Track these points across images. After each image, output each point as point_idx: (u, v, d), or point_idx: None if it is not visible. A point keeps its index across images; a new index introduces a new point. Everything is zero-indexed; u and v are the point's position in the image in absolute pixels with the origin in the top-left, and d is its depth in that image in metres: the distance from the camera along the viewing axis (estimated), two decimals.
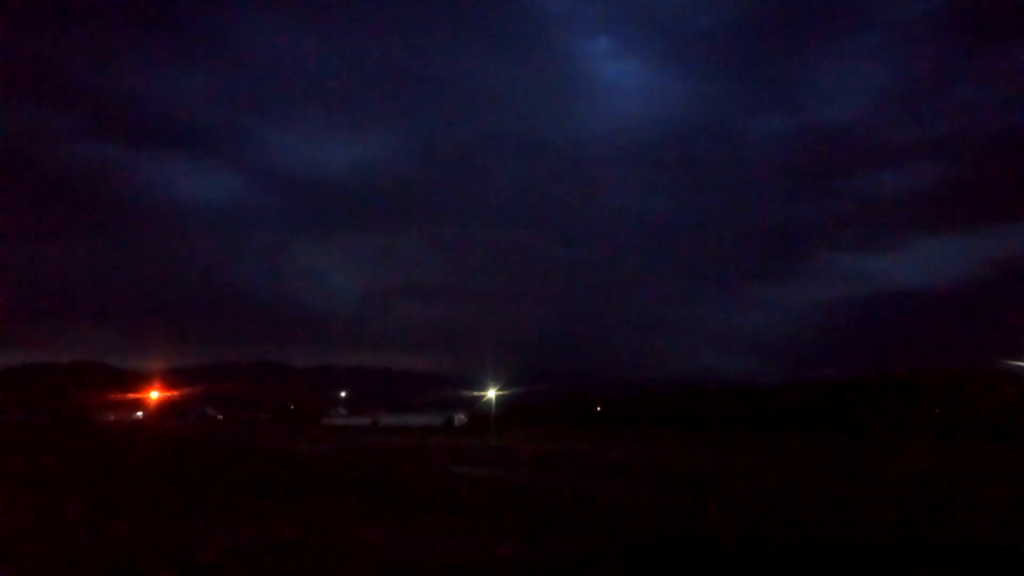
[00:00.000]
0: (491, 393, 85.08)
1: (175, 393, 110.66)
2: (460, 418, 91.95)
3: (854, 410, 57.93)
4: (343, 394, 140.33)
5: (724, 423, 64.31)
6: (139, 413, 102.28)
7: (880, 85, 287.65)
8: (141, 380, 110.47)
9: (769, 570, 8.74)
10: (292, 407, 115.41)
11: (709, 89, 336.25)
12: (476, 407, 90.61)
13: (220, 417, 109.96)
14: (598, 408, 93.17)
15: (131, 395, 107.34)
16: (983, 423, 48.63)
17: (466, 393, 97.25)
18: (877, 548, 9.84)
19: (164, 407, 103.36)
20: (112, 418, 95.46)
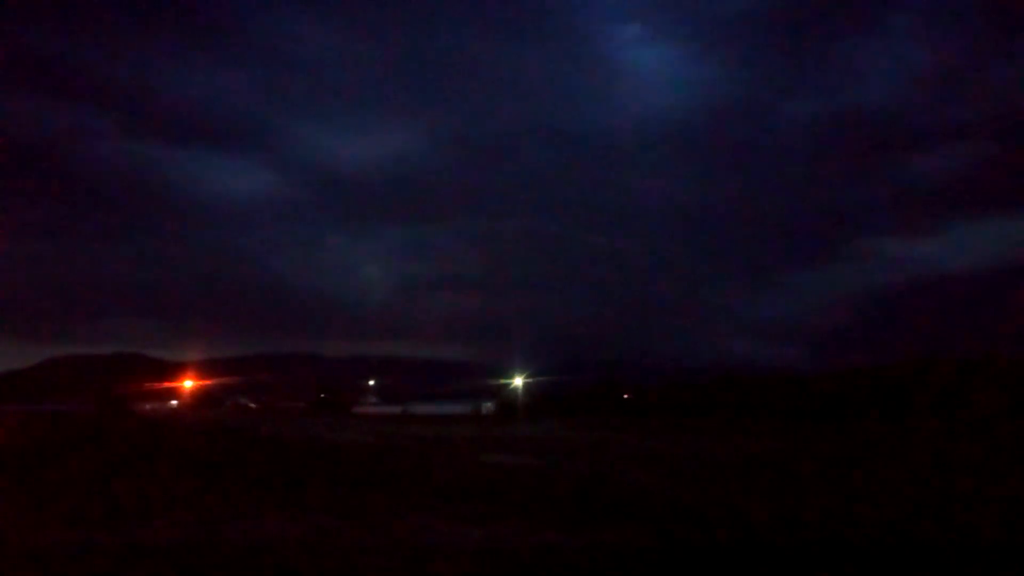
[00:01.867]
0: (519, 382, 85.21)
1: (210, 382, 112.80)
2: (488, 406, 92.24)
3: (894, 398, 56.78)
4: (373, 383, 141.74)
5: (758, 412, 63.45)
6: (174, 402, 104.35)
7: (917, 67, 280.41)
8: (178, 370, 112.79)
9: (810, 566, 8.48)
10: (324, 396, 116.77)
11: (742, 74, 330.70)
12: (505, 396, 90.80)
13: (253, 406, 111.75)
14: (627, 396, 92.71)
15: (167, 384, 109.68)
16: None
17: (495, 382, 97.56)
18: (919, 544, 9.52)
19: (199, 396, 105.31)
20: (149, 407, 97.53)
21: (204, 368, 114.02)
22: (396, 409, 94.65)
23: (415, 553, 8.57)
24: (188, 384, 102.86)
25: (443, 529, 9.91)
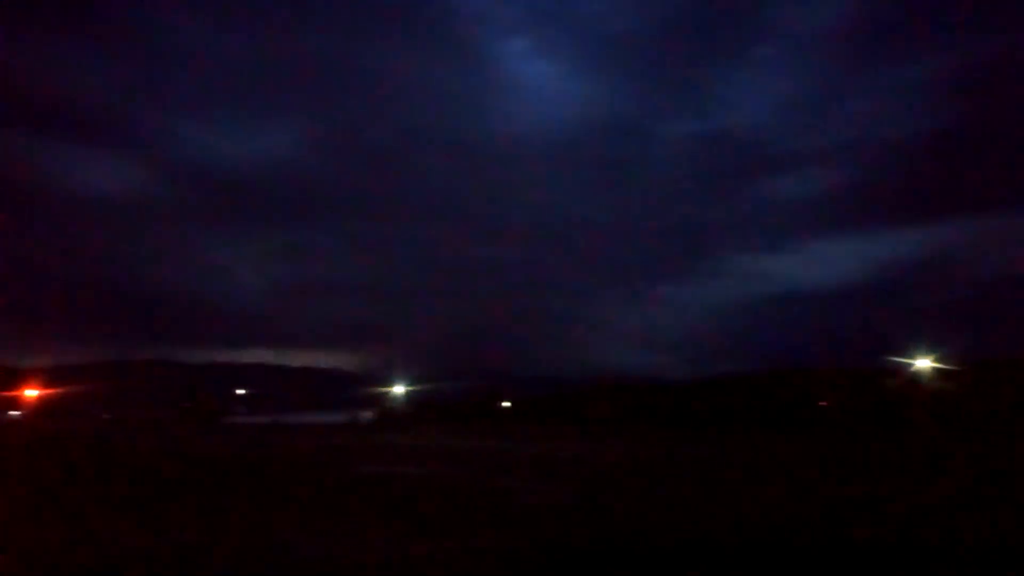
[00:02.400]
0: (400, 390, 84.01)
1: (58, 391, 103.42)
2: (366, 416, 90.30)
3: (753, 405, 60.69)
4: (243, 392, 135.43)
5: (632, 418, 65.94)
6: (15, 412, 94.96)
7: (781, 95, 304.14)
8: (19, 377, 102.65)
9: (672, 565, 8.76)
10: (188, 405, 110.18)
11: (622, 92, 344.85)
12: (384, 405, 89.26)
13: (106, 416, 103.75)
14: (507, 404, 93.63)
15: (7, 393, 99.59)
16: (867, 414, 51.98)
17: (374, 391, 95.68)
18: (756, 543, 10.07)
19: (45, 406, 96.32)
20: None
21: (52, 375, 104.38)
22: (267, 419, 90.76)
23: (285, 569, 8.14)
24: (32, 393, 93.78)
25: (316, 543, 9.49)
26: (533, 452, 28.76)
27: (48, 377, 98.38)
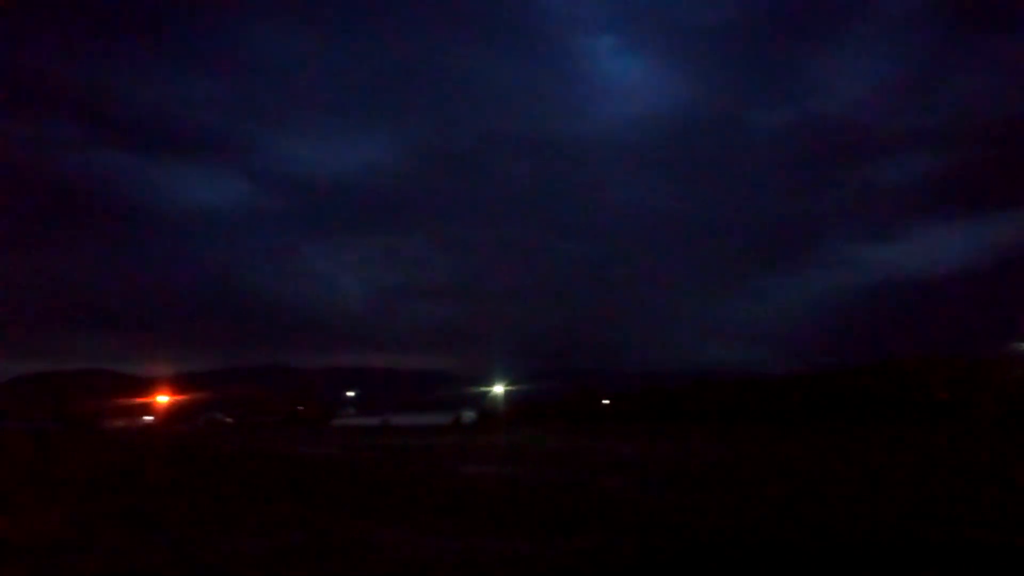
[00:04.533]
0: (498, 390, 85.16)
1: (183, 398, 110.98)
2: (468, 416, 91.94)
3: (862, 399, 57.71)
4: (351, 395, 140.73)
5: (733, 415, 64.14)
6: (148, 418, 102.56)
7: (880, 76, 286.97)
8: (149, 386, 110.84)
9: (777, 569, 8.64)
10: (300, 409, 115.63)
11: (712, 84, 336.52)
12: (484, 405, 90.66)
13: (229, 420, 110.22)
14: (606, 403, 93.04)
15: (139, 400, 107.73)
16: (992, 408, 48.38)
17: (473, 391, 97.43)
18: (881, 546, 9.74)
19: (173, 412, 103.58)
20: (120, 424, 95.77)
21: (178, 383, 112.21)
22: (375, 421, 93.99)
23: (389, 568, 8.59)
24: (162, 400, 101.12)
25: (420, 543, 9.93)
26: (637, 452, 28.60)
27: (175, 385, 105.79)
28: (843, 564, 8.48)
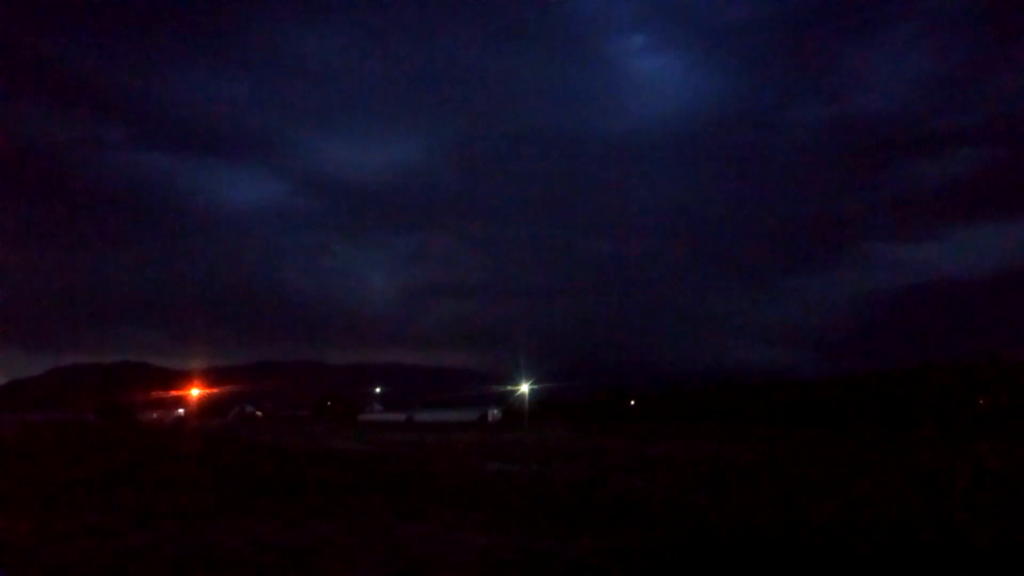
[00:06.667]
0: (525, 389, 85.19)
1: (216, 391, 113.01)
2: (494, 414, 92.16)
3: (895, 402, 56.64)
4: (378, 390, 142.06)
5: (761, 417, 63.39)
6: (181, 411, 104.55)
7: (919, 74, 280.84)
8: (183, 379, 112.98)
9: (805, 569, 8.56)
10: (329, 404, 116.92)
11: (745, 81, 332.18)
12: (510, 403, 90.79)
13: (259, 414, 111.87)
14: (632, 403, 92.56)
15: (173, 393, 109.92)
16: None
17: (500, 389, 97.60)
18: (914, 548, 9.58)
19: (205, 405, 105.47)
20: (155, 416, 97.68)
21: (210, 376, 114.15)
22: (401, 417, 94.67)
23: (414, 564, 8.67)
24: (195, 392, 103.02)
25: (444, 539, 10.01)
26: (662, 452, 28.44)
27: (207, 378, 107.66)
28: (864, 563, 8.38)
